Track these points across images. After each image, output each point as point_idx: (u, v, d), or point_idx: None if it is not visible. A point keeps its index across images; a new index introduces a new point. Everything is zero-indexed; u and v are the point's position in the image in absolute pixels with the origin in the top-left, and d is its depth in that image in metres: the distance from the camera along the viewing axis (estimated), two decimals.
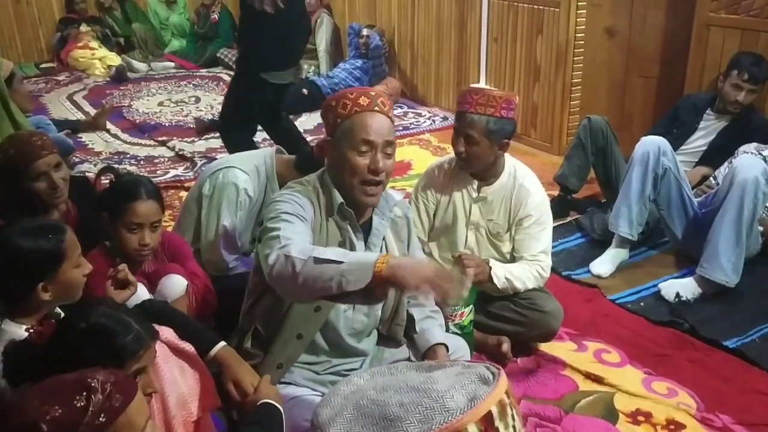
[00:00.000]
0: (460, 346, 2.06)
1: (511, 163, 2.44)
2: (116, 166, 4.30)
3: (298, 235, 1.61)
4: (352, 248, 1.82)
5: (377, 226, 1.87)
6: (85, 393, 1.09)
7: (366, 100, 1.76)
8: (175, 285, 2.13)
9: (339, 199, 1.79)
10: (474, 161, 2.36)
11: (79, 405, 1.08)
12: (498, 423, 0.83)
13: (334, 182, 1.81)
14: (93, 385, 1.10)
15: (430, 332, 1.99)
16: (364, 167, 1.73)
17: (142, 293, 2.02)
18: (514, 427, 0.85)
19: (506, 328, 2.41)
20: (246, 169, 2.44)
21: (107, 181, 2.24)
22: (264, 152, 2.57)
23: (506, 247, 2.44)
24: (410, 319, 2.02)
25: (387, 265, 1.39)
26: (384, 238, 1.92)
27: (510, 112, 2.30)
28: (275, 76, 3.61)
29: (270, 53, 3.53)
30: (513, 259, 2.44)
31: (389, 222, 1.91)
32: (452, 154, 2.43)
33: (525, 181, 2.39)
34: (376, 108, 1.76)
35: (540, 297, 2.40)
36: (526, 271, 2.36)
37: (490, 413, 0.83)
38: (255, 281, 1.89)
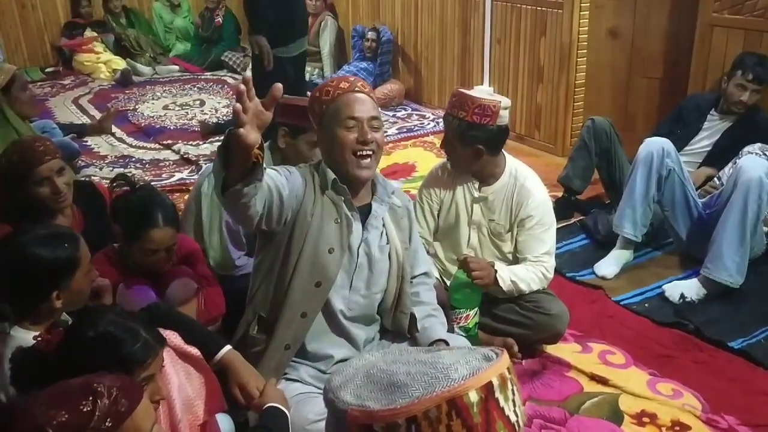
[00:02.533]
0: (462, 345, 2.07)
1: (512, 163, 2.44)
2: (122, 170, 4.33)
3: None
4: (349, 225, 1.88)
5: (376, 209, 1.94)
6: (91, 398, 1.10)
7: (346, 84, 1.87)
8: (185, 287, 2.14)
9: (332, 175, 1.86)
10: (454, 161, 2.41)
11: (85, 410, 1.08)
12: (498, 394, 0.87)
13: (330, 168, 1.88)
14: (99, 389, 1.11)
15: (432, 329, 2.02)
16: (353, 140, 1.82)
17: (149, 296, 2.04)
18: (513, 401, 0.89)
19: (512, 331, 2.41)
20: None
21: (119, 189, 2.25)
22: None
23: (507, 247, 2.44)
24: (412, 318, 2.05)
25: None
26: (384, 225, 1.97)
27: (485, 118, 2.27)
28: (289, 49, 3.72)
29: (280, 27, 3.62)
30: (515, 260, 2.44)
31: (387, 206, 1.97)
32: None
33: (526, 181, 2.39)
34: (357, 89, 1.86)
35: (545, 299, 2.40)
36: (531, 272, 2.36)
37: (491, 383, 0.87)
38: (256, 263, 1.96)
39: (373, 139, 1.83)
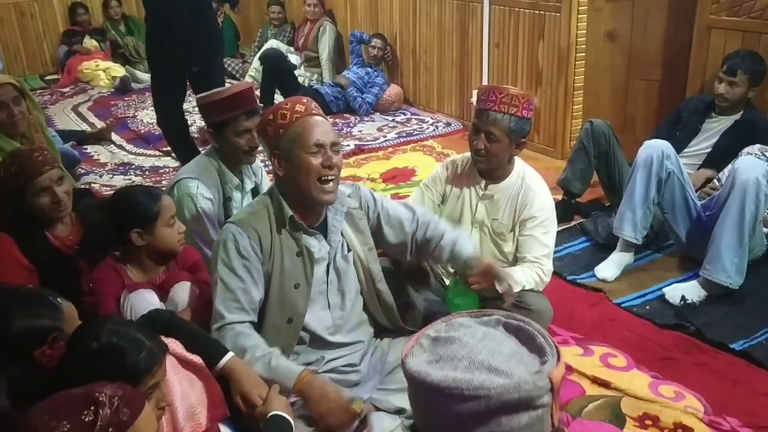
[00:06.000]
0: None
1: (521, 166, 2.48)
2: (122, 177, 4.34)
3: (232, 305, 1.83)
4: (310, 257, 1.89)
5: (332, 222, 1.95)
6: (93, 407, 1.09)
7: (301, 106, 1.85)
8: (186, 293, 2.15)
9: (288, 212, 1.87)
10: (492, 158, 2.40)
11: (87, 419, 1.08)
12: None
13: (289, 192, 1.88)
14: (101, 399, 1.11)
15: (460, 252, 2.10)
16: (318, 165, 1.82)
17: (153, 300, 2.04)
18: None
19: None
20: (194, 175, 2.49)
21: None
22: (204, 155, 2.62)
23: (508, 247, 2.45)
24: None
25: (302, 386, 1.74)
26: (343, 234, 1.99)
27: (530, 112, 2.36)
28: None
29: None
30: (516, 261, 2.44)
31: (343, 216, 1.98)
32: (467, 154, 2.48)
33: (533, 184, 2.43)
34: (314, 111, 1.86)
35: (529, 295, 2.35)
36: (528, 275, 2.35)
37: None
38: None
39: (337, 163, 1.85)
